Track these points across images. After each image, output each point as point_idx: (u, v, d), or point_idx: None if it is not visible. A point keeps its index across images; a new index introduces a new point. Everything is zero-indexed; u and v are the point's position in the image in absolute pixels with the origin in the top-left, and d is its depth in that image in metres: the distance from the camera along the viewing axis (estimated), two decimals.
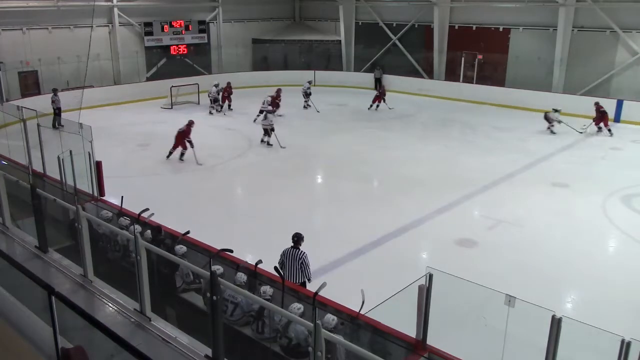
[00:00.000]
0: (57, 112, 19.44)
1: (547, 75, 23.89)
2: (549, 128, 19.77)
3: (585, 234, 11.54)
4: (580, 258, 10.42)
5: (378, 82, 28.47)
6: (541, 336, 4.63)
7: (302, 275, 8.03)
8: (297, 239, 8.10)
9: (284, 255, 8.03)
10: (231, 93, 23.59)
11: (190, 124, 16.34)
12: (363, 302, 5.93)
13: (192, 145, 16.04)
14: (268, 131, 17.83)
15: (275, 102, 21.35)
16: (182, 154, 16.25)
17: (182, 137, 16.13)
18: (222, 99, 23.29)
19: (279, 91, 22.10)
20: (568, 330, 4.55)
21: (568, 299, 9.40)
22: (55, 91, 20.31)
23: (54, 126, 16.69)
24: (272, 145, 17.78)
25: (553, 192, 13.86)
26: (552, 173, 15.27)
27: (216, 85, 23.31)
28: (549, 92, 23.48)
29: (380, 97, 23.64)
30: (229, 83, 23.87)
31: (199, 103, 24.54)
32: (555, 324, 4.45)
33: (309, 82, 24.51)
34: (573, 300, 9.44)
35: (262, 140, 18.02)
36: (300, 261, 7.96)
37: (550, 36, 23.73)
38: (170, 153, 16.33)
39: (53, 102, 19.83)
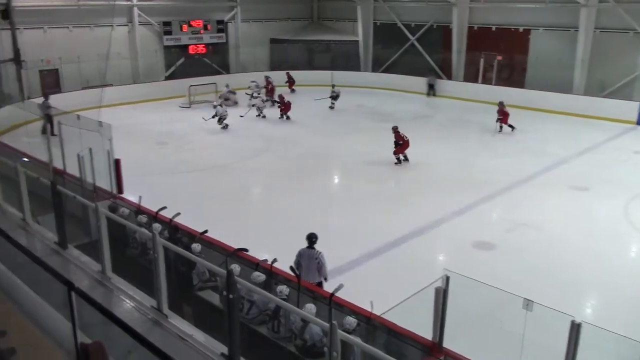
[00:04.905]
0: (48, 118, 17.07)
1: (568, 77, 23.55)
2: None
3: (605, 238, 11.34)
4: (600, 263, 10.26)
5: (431, 88, 27.00)
6: (560, 341, 4.57)
7: (319, 275, 8.03)
8: (314, 239, 8.10)
9: (300, 255, 8.03)
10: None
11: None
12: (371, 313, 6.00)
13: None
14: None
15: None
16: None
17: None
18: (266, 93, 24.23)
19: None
20: (587, 336, 4.49)
21: (587, 304, 9.27)
22: (46, 96, 19.01)
23: (43, 132, 16.70)
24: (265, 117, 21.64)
25: (573, 196, 13.67)
26: (572, 176, 15.06)
27: (255, 81, 24.27)
28: (570, 93, 23.19)
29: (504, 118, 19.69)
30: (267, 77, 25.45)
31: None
32: (575, 329, 4.39)
33: (333, 86, 24.40)
34: (592, 305, 9.30)
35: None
36: (316, 260, 7.97)
37: (571, 37, 23.40)
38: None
39: (47, 107, 17.49)
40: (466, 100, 25.36)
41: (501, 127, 19.73)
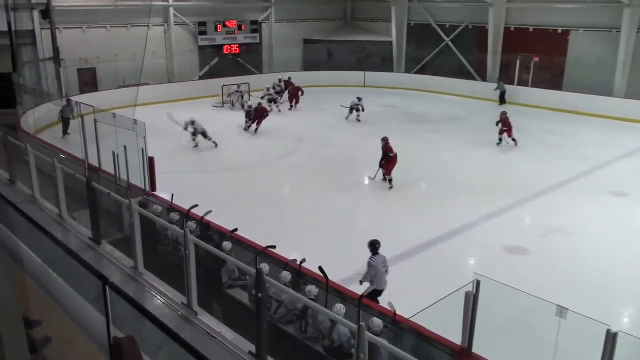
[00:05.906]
0: (66, 121, 18.27)
1: (608, 79, 22.89)
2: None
3: None
4: (636, 272, 9.94)
5: (503, 96, 25.05)
6: (594, 350, 4.45)
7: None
8: (377, 245, 8.23)
9: (378, 263, 8.07)
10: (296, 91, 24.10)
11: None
12: (395, 313, 5.94)
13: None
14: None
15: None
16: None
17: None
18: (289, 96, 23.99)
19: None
20: (623, 347, 4.36)
21: (621, 313, 8.99)
22: (69, 101, 18.66)
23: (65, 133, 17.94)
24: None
25: (611, 201, 13.30)
26: (610, 181, 14.64)
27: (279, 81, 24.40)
28: (610, 96, 22.55)
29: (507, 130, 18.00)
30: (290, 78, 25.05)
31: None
32: (610, 338, 4.27)
33: (359, 99, 21.48)
34: (627, 314, 9.02)
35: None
36: (386, 262, 8.17)
37: (613, 38, 22.76)
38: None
39: (62, 111, 18.39)
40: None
41: (500, 139, 18.09)
